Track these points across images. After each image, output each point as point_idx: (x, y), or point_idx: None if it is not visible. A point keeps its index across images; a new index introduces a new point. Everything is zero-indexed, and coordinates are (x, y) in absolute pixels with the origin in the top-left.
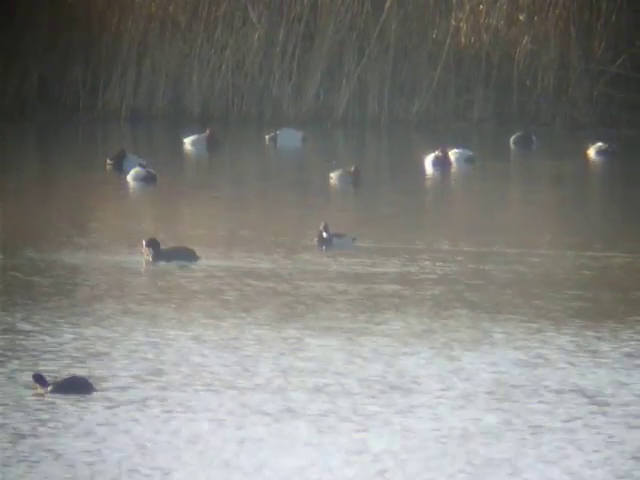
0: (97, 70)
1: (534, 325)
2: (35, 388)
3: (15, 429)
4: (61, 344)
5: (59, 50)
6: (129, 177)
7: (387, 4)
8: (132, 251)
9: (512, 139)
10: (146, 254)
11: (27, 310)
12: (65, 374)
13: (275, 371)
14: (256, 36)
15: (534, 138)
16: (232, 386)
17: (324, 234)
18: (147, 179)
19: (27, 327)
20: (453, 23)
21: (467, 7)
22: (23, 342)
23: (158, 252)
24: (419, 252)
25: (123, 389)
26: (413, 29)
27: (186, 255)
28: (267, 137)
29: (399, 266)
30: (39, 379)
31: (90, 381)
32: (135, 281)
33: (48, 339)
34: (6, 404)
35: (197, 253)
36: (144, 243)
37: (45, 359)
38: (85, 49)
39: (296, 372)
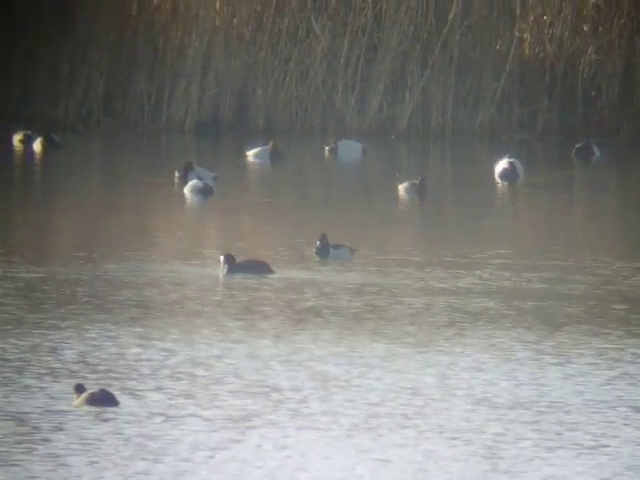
0: (161, 83)
1: (613, 339)
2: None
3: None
4: (147, 360)
5: (124, 63)
6: (186, 189)
7: (450, 15)
8: (198, 264)
9: (573, 150)
10: (222, 268)
11: (102, 324)
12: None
13: (368, 386)
14: (320, 48)
15: (595, 149)
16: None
17: (318, 244)
18: (204, 191)
19: (104, 341)
20: (517, 34)
21: (531, 18)
22: (95, 356)
23: (232, 266)
24: (492, 265)
25: (220, 407)
26: (477, 40)
27: (260, 268)
28: (327, 148)
29: (472, 279)
30: (79, 389)
31: (115, 395)
32: (213, 295)
33: (130, 353)
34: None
35: (271, 266)
36: (222, 259)
37: (128, 374)
38: (150, 62)
39: (389, 387)
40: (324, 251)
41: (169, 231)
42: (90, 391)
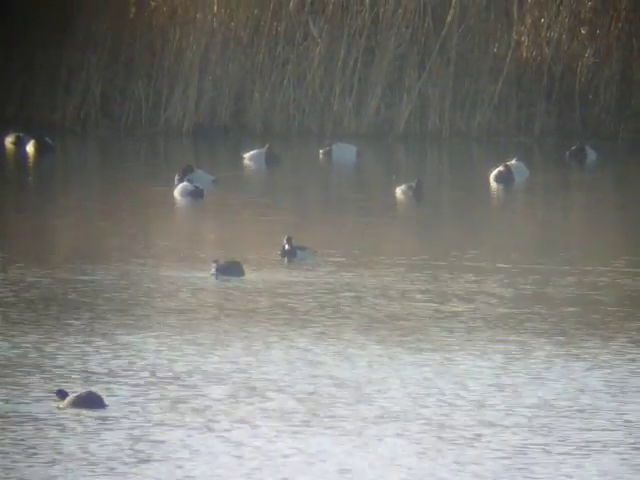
0: (159, 85)
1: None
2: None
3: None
4: (140, 364)
5: (121, 66)
6: (176, 192)
7: (448, 18)
8: (185, 267)
9: (567, 153)
10: (211, 272)
11: (89, 327)
12: (82, 390)
13: (382, 389)
14: (317, 51)
15: (589, 152)
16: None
17: (286, 246)
18: (194, 194)
19: (88, 347)
20: (514, 37)
21: (528, 21)
22: (87, 360)
23: (218, 268)
24: (487, 270)
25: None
26: (474, 43)
27: (235, 269)
28: (321, 152)
29: (465, 284)
30: (61, 393)
31: (102, 397)
32: (203, 298)
33: (117, 357)
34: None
35: (243, 267)
36: (213, 264)
37: (119, 377)
38: (147, 65)
39: (404, 391)
40: (291, 253)
41: (159, 235)
42: (76, 393)
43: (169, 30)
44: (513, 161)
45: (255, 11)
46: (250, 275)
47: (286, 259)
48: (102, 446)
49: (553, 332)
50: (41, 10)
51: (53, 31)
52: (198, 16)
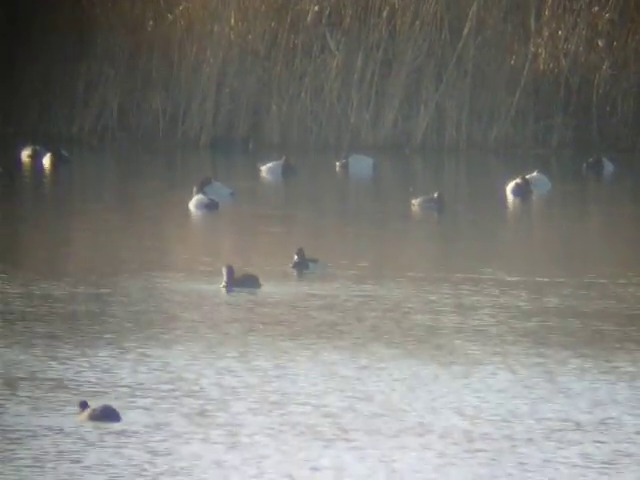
0: (176, 98)
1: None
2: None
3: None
4: (158, 377)
5: (139, 79)
6: (191, 205)
7: (465, 30)
8: (198, 279)
9: (585, 165)
10: (224, 282)
11: (113, 341)
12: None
13: (406, 402)
14: (334, 63)
15: (605, 164)
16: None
17: (296, 258)
18: (209, 207)
19: (113, 360)
20: (532, 49)
21: (546, 33)
22: (109, 373)
23: (231, 280)
24: (511, 283)
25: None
26: (491, 55)
27: (252, 282)
28: (338, 164)
29: (489, 297)
30: (83, 405)
31: (118, 411)
32: (218, 310)
33: (134, 371)
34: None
35: (260, 281)
36: (224, 271)
37: (135, 390)
38: (165, 78)
39: (426, 405)
40: (302, 265)
41: (175, 247)
42: (93, 407)
43: (186, 43)
44: (534, 173)
45: (272, 24)
46: (266, 288)
47: (297, 272)
48: (124, 459)
49: (578, 345)
50: (58, 24)
51: (70, 44)
52: (215, 29)
